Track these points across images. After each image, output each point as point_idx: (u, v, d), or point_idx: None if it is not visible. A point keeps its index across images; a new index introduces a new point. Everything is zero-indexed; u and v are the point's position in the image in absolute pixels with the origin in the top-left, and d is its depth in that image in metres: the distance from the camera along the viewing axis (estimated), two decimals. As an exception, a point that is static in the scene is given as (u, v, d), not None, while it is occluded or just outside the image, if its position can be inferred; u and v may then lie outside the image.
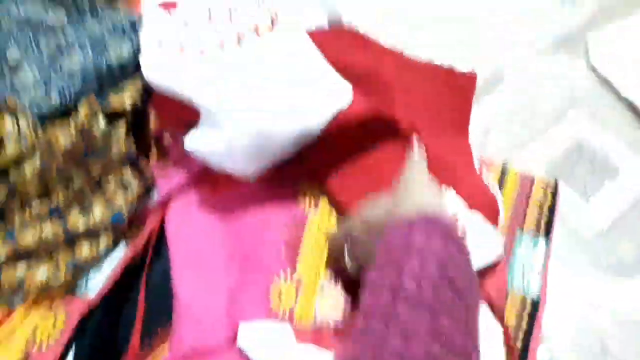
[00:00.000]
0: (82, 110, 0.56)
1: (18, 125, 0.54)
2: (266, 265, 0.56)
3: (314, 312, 0.54)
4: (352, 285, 0.54)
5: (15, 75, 0.62)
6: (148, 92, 0.60)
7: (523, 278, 0.57)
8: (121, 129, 0.58)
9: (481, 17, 0.72)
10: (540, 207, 0.62)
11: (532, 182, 0.63)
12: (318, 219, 0.59)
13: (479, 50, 0.71)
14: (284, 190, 0.60)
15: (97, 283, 0.56)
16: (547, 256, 0.58)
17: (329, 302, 0.54)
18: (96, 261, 0.56)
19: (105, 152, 0.57)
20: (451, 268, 0.35)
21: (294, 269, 0.56)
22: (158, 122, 0.62)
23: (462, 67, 0.64)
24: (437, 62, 0.64)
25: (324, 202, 0.60)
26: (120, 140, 0.57)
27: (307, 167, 0.57)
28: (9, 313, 0.54)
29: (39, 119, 0.58)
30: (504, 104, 0.67)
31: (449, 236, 0.38)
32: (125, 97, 0.58)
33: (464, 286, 0.35)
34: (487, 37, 0.71)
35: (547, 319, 0.55)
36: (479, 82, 0.63)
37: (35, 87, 0.61)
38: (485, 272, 0.55)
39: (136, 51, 0.60)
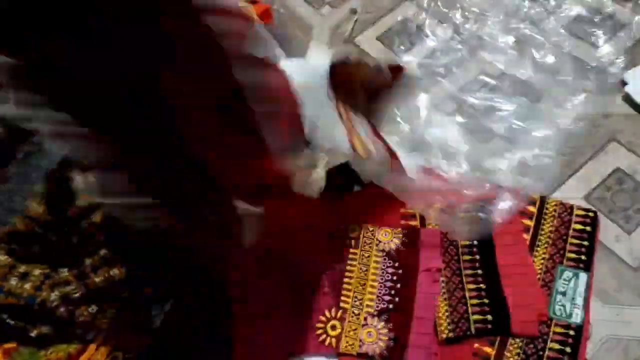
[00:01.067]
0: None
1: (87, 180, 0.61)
2: (313, 300, 0.60)
3: (359, 343, 0.57)
4: (396, 316, 0.58)
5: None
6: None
7: (565, 308, 0.58)
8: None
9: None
10: (580, 238, 0.62)
11: (571, 212, 0.64)
12: (358, 256, 0.62)
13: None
14: (327, 231, 0.65)
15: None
16: (588, 287, 0.59)
17: (373, 333, 0.57)
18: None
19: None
20: None
21: (338, 303, 0.59)
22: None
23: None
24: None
25: (362, 240, 0.63)
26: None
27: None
28: (83, 349, 0.59)
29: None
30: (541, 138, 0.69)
31: None
32: None
33: None
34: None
35: (590, 348, 0.55)
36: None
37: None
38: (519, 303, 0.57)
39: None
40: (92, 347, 0.59)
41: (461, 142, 0.68)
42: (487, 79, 0.74)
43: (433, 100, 0.73)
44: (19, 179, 0.68)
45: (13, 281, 0.59)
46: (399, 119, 0.70)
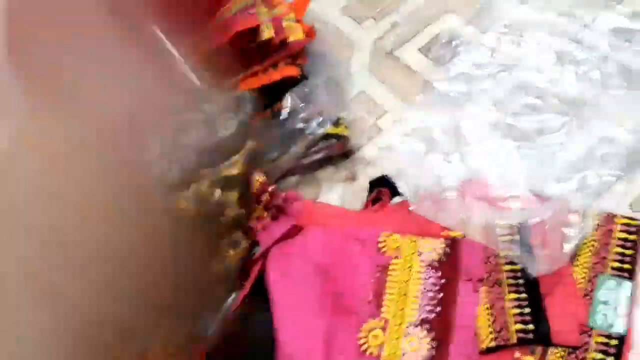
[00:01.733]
0: (203, 182, 0.67)
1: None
2: (356, 309, 0.63)
3: (401, 353, 0.59)
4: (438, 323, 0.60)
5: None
6: (250, 162, 0.70)
7: (607, 317, 0.58)
8: (232, 197, 0.68)
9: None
10: (624, 246, 0.63)
11: (613, 221, 0.64)
12: (399, 266, 0.65)
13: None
14: (369, 239, 0.67)
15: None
16: (631, 296, 0.59)
17: (414, 342, 0.60)
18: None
19: (219, 217, 0.67)
20: None
21: (380, 312, 0.62)
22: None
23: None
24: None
25: (404, 251, 0.66)
26: (233, 207, 0.68)
27: None
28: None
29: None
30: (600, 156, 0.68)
31: None
32: (236, 168, 0.69)
33: None
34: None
35: (633, 358, 0.56)
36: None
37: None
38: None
39: (241, 125, 0.71)
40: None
41: (517, 167, 0.68)
42: (532, 100, 0.74)
43: (479, 125, 0.72)
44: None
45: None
46: (447, 149, 0.70)
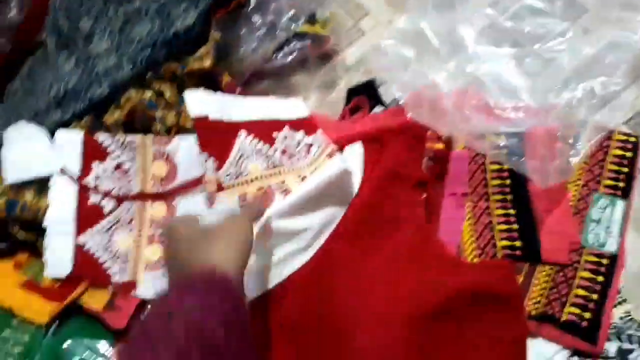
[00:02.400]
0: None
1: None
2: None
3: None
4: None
5: (88, 45, 0.65)
6: (219, 55, 0.61)
7: (599, 236, 0.54)
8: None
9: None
10: (619, 164, 0.58)
11: (610, 137, 0.59)
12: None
13: None
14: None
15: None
16: (625, 215, 0.55)
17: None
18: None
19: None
20: (229, 327, 0.35)
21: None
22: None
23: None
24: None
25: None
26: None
27: None
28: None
29: (112, 87, 0.62)
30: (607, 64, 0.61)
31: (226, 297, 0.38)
32: (207, 60, 0.61)
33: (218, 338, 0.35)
34: None
35: (625, 278, 0.52)
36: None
37: (108, 56, 0.64)
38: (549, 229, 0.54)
39: (202, 15, 0.61)
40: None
41: (517, 75, 0.61)
42: (535, 3, 0.65)
43: (478, 31, 0.64)
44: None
45: (29, 196, 0.58)
46: (442, 54, 0.62)
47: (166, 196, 0.60)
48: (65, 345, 0.55)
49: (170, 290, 0.40)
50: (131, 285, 0.57)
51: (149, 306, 0.55)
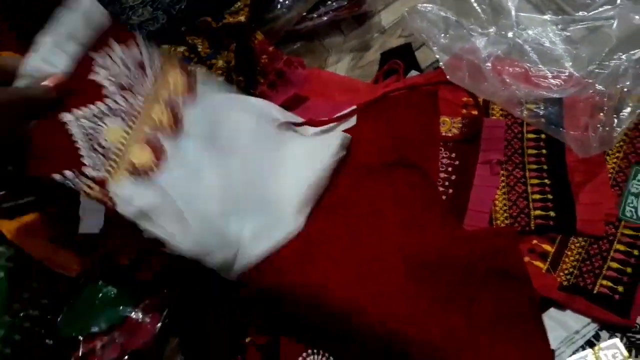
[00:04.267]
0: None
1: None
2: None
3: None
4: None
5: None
6: (254, 11, 0.60)
7: (637, 210, 0.53)
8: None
9: None
10: (661, 137, 0.56)
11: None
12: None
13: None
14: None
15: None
16: (665, 189, 0.54)
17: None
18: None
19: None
20: None
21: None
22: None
23: None
24: None
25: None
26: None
27: None
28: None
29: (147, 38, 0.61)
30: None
31: None
32: (241, 15, 0.59)
33: None
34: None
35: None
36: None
37: (143, 8, 0.64)
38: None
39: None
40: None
41: (560, 42, 0.58)
42: None
43: None
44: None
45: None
46: (482, 18, 0.60)
47: (175, 109, 0.52)
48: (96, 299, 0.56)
49: None
50: (102, 182, 0.46)
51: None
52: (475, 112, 0.59)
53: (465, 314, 0.47)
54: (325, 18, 0.68)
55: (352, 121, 0.61)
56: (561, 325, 0.51)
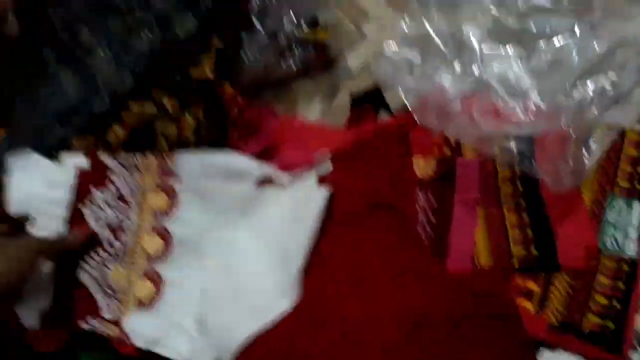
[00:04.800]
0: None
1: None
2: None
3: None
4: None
5: (88, 57, 0.64)
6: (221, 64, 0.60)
7: (617, 241, 0.53)
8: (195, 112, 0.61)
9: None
10: (634, 164, 0.56)
11: (623, 135, 0.57)
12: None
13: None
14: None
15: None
16: (643, 217, 0.53)
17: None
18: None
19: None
20: None
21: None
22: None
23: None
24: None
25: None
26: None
27: None
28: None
29: (113, 100, 0.61)
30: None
31: None
32: (206, 69, 0.59)
33: None
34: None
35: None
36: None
37: (108, 68, 0.63)
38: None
39: (202, 23, 0.60)
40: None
41: (525, 75, 0.59)
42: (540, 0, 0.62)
43: (482, 31, 0.62)
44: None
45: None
46: (447, 57, 0.61)
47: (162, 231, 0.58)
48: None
49: None
50: (117, 322, 0.54)
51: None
52: (447, 151, 0.59)
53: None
54: (293, 66, 0.68)
55: (327, 167, 0.60)
56: (554, 365, 0.49)
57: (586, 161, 0.53)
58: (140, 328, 0.53)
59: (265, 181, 0.60)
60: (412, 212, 0.57)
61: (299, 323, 0.51)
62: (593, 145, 0.54)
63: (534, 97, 0.57)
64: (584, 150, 0.53)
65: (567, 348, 0.49)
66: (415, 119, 0.57)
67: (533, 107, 0.56)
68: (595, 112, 0.54)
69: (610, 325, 0.49)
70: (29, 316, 0.53)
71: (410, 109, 0.61)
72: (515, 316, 0.49)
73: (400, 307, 0.50)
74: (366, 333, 0.49)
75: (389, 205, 0.57)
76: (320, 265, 0.54)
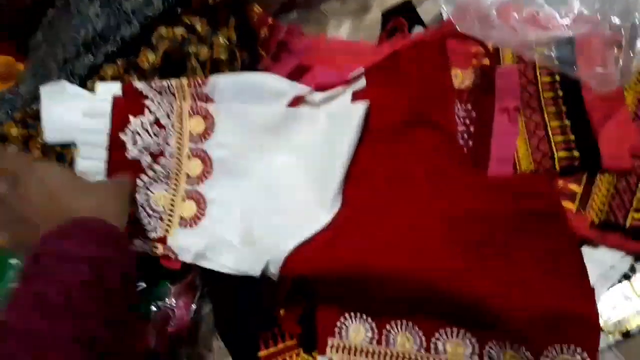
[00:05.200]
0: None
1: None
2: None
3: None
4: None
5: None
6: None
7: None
8: (224, 33, 0.60)
9: None
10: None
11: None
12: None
13: None
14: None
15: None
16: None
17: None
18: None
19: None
20: (106, 272, 0.37)
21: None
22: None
23: None
24: None
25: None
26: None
27: None
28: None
29: (143, 24, 0.60)
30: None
31: (103, 242, 0.38)
32: None
33: (117, 287, 0.37)
34: None
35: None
36: None
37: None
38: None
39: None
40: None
41: None
42: None
43: None
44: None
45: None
46: None
47: (201, 154, 0.59)
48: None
49: (60, 237, 0.38)
50: (163, 240, 0.56)
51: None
52: (486, 61, 0.58)
53: (505, 259, 0.47)
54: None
55: (361, 83, 0.60)
56: (595, 263, 0.51)
57: (632, 62, 0.52)
58: (186, 244, 0.55)
59: (299, 100, 0.60)
60: (451, 124, 0.57)
61: (342, 232, 0.52)
62: (638, 47, 0.53)
63: (576, 4, 0.55)
64: (629, 52, 0.52)
65: (609, 244, 0.50)
66: (454, 28, 0.55)
67: (574, 14, 0.55)
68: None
69: (653, 220, 0.50)
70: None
71: (446, 20, 0.59)
72: (558, 213, 0.49)
73: (442, 207, 0.51)
74: (409, 236, 0.50)
75: (427, 119, 0.57)
76: (361, 179, 0.55)
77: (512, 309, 0.46)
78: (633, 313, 0.51)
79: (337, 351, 0.51)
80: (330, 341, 0.51)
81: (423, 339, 0.50)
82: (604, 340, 0.51)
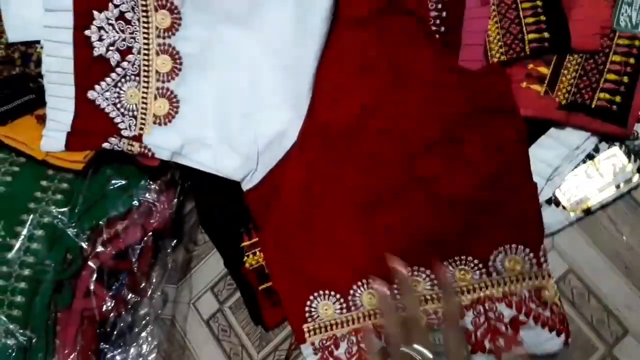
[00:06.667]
0: None
1: None
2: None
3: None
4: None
5: None
6: None
7: (631, 20, 0.52)
8: None
9: None
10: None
11: None
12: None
13: None
14: None
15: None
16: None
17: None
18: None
19: None
20: None
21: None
22: None
23: None
24: None
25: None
26: None
27: None
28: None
29: None
30: None
31: None
32: None
33: None
34: None
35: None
36: None
37: None
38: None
39: None
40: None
41: None
42: None
43: None
44: None
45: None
46: None
47: (170, 50, 0.57)
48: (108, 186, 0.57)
49: None
50: (138, 138, 0.56)
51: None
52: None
53: (457, 151, 0.50)
54: None
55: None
56: (562, 143, 0.52)
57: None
58: (161, 142, 0.55)
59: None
60: (423, 9, 0.55)
61: (313, 127, 0.54)
62: None
63: None
64: None
65: (575, 124, 0.51)
66: None
67: None
68: None
69: (618, 99, 0.50)
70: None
71: None
72: (512, 109, 0.50)
73: (398, 100, 0.52)
74: (369, 125, 0.52)
75: (399, 5, 0.55)
76: (330, 69, 0.55)
77: (460, 193, 0.49)
78: (594, 191, 0.53)
79: (314, 333, 0.53)
80: (305, 327, 0.53)
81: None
82: (567, 218, 0.54)
